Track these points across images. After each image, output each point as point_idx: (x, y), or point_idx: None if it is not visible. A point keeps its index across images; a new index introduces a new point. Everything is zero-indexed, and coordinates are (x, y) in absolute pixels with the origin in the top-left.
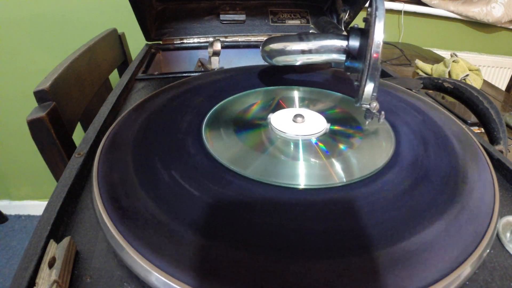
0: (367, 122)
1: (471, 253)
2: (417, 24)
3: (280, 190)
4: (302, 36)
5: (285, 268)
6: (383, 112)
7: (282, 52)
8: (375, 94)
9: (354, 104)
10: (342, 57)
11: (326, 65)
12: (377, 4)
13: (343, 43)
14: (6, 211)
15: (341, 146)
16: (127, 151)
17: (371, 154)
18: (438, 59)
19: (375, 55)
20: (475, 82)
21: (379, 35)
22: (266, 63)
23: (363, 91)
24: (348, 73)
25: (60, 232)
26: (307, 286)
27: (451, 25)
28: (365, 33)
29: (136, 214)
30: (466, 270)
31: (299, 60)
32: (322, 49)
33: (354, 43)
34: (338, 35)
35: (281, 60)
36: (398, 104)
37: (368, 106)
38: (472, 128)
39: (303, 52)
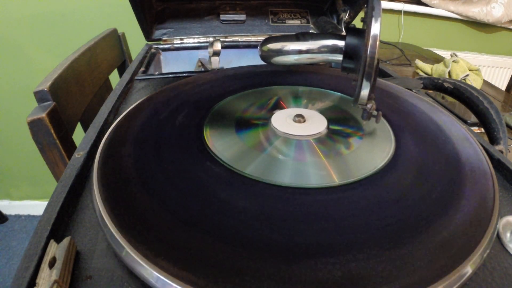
0: (364, 122)
1: (471, 253)
2: (417, 24)
3: (280, 190)
4: (299, 36)
5: (287, 268)
6: (380, 112)
7: (280, 52)
8: (372, 94)
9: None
10: (339, 57)
11: (326, 65)
12: (373, 4)
13: (340, 43)
14: (6, 211)
15: (341, 146)
16: (127, 151)
17: (371, 153)
18: (438, 59)
19: (371, 55)
20: (475, 82)
21: (375, 35)
22: (266, 63)
23: (360, 91)
24: (346, 73)
25: (60, 232)
26: (308, 286)
27: (451, 25)
28: (362, 33)
29: (136, 214)
30: (466, 270)
31: (297, 60)
32: (319, 49)
33: (351, 43)
34: (336, 35)
35: (279, 60)
36: (398, 104)
37: (365, 106)
38: (472, 128)
39: (300, 52)
